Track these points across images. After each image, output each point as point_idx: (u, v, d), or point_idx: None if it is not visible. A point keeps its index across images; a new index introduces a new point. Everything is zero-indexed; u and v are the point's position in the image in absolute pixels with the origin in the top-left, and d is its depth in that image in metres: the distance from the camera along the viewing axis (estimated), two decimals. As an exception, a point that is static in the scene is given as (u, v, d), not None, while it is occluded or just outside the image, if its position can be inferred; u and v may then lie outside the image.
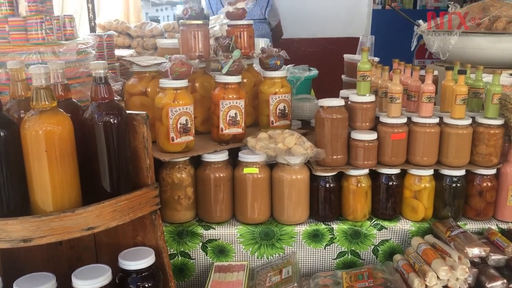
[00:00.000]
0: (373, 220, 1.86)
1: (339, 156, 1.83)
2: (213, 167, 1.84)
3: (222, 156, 1.85)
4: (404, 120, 1.82)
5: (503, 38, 2.33)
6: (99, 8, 3.96)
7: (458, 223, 1.83)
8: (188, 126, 1.80)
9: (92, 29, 3.05)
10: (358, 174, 1.83)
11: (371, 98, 1.84)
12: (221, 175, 1.84)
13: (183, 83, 1.79)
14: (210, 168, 1.84)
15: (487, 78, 1.98)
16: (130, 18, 3.98)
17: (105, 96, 1.36)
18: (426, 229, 1.84)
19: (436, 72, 2.24)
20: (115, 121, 1.37)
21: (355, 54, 4.61)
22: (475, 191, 1.85)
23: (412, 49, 2.70)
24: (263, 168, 1.83)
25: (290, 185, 1.81)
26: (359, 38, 5.42)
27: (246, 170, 1.82)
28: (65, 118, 1.29)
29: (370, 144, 1.80)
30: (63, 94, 1.41)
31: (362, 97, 1.83)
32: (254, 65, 2.28)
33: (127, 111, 1.44)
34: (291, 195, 1.82)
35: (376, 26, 6.20)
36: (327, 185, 1.84)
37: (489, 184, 1.83)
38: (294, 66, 2.71)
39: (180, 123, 1.78)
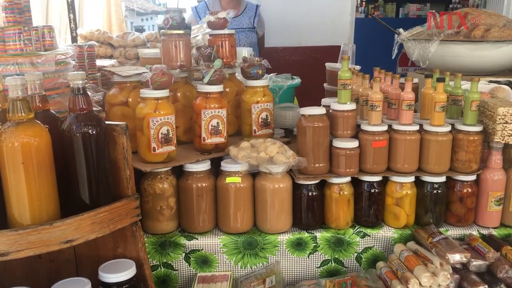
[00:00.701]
0: (356, 228, 1.87)
1: (321, 164, 1.83)
2: (195, 177, 1.83)
3: (204, 166, 1.84)
4: (385, 127, 1.83)
5: (481, 46, 2.36)
6: (82, 18, 3.95)
7: (440, 229, 1.84)
8: (170, 136, 1.80)
9: (74, 39, 3.03)
10: (340, 182, 1.84)
11: (352, 106, 1.85)
12: (204, 184, 1.83)
13: (164, 93, 1.78)
14: (192, 178, 1.83)
15: (466, 85, 2.00)
16: (113, 27, 3.97)
17: (83, 106, 1.35)
18: (409, 235, 1.85)
19: (416, 80, 2.27)
20: (94, 132, 1.36)
21: (337, 62, 4.64)
22: (456, 197, 1.86)
23: (392, 57, 2.73)
24: (246, 177, 1.83)
25: (272, 194, 1.81)
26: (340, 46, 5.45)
27: (229, 180, 1.82)
28: (42, 130, 1.27)
29: (352, 152, 1.81)
30: (40, 105, 1.40)
31: (343, 105, 1.84)
32: (236, 74, 2.29)
33: (107, 122, 1.43)
34: (274, 204, 1.81)
35: (359, 35, 6.28)
36: (310, 194, 1.84)
37: (470, 190, 1.85)
38: (276, 75, 2.72)
39: (161, 133, 1.77)
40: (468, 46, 2.38)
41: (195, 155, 1.91)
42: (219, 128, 1.92)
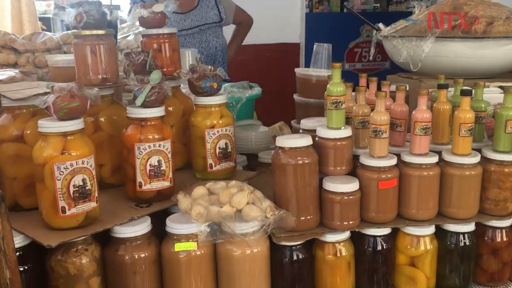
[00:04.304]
0: (359, 299, 1.36)
1: (309, 217, 1.31)
2: (129, 245, 1.25)
3: (142, 227, 1.26)
4: (394, 161, 1.33)
5: (483, 44, 1.92)
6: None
7: (469, 292, 1.37)
8: (87, 188, 1.21)
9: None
10: (337, 240, 1.32)
11: (347, 132, 1.34)
12: (142, 255, 1.25)
13: (75, 124, 1.19)
14: (124, 247, 1.25)
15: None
16: (24, 28, 3.26)
17: None
18: (429, 305, 1.36)
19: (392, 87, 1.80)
20: None
21: (293, 60, 4.08)
22: (488, 249, 1.39)
23: (370, 58, 2.27)
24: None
25: (242, 263, 1.25)
26: (295, 43, 4.91)
27: (179, 247, 1.25)
28: None
29: (351, 197, 1.30)
30: None
31: (336, 131, 1.32)
32: (181, 86, 1.72)
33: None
34: (245, 278, 1.26)
35: (309, 30, 5.82)
36: (295, 257, 1.31)
37: (506, 239, 1.39)
38: (232, 83, 2.17)
39: (73, 186, 1.18)
40: (468, 43, 1.93)
41: (127, 210, 1.33)
42: (162, 169, 1.35)
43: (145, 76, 1.35)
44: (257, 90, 2.19)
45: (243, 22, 3.43)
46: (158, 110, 1.35)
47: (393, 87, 1.55)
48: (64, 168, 1.16)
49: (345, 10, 9.53)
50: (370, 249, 1.34)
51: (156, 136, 1.34)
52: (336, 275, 1.32)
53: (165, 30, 1.60)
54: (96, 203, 1.24)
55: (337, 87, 1.31)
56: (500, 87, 1.82)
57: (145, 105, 1.33)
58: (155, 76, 1.33)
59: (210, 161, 1.51)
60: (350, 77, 1.52)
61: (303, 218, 1.30)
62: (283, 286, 1.32)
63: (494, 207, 1.37)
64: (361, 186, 1.32)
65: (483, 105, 1.45)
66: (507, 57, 1.95)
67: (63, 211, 1.18)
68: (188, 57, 2.23)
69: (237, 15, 3.32)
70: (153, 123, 1.34)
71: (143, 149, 1.32)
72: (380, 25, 2.20)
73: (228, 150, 1.53)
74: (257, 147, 1.89)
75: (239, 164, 1.77)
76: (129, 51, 1.57)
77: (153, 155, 1.34)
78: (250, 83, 2.32)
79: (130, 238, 1.25)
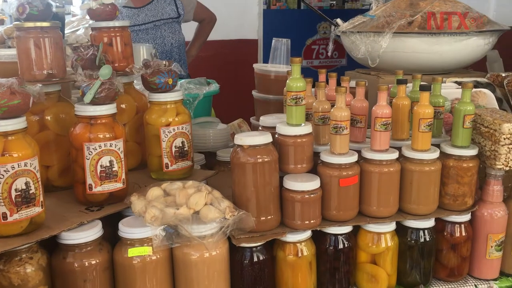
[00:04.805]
0: (320, 300, 1.33)
1: (269, 217, 1.26)
2: (79, 252, 1.17)
3: (92, 233, 1.19)
4: (355, 157, 1.30)
5: (440, 39, 1.93)
6: None
7: (429, 288, 1.37)
8: (31, 191, 1.12)
9: None
10: (299, 239, 1.28)
11: (308, 128, 1.30)
12: (92, 262, 1.18)
13: (16, 123, 1.10)
14: (73, 254, 1.17)
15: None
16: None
17: None
18: (391, 303, 1.35)
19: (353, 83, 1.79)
20: None
21: (251, 57, 4.01)
22: (447, 244, 1.39)
23: (329, 54, 2.25)
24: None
25: (200, 267, 1.20)
26: (252, 40, 4.86)
27: (132, 252, 1.18)
28: None
29: (312, 195, 1.26)
30: None
31: (296, 128, 1.28)
32: (135, 82, 1.65)
33: None
34: (203, 282, 1.21)
35: (267, 27, 5.80)
36: (255, 259, 1.26)
37: (465, 233, 1.39)
38: (188, 79, 2.10)
39: (15, 190, 1.09)
40: (424, 39, 1.94)
41: (76, 214, 1.24)
42: (114, 169, 1.28)
43: (94, 72, 1.27)
44: (214, 86, 2.13)
45: (206, 19, 3.37)
46: (109, 107, 1.27)
47: (352, 83, 1.54)
48: (5, 171, 1.07)
49: (302, 7, 9.55)
50: (332, 248, 1.32)
51: (107, 135, 1.26)
52: (298, 275, 1.29)
53: (116, 23, 1.52)
54: (41, 208, 1.16)
55: (297, 82, 1.27)
56: (456, 82, 1.84)
57: (94, 102, 1.25)
58: (105, 71, 1.26)
59: (166, 160, 1.45)
60: (308, 74, 1.48)
61: (263, 218, 1.26)
62: (243, 290, 1.27)
63: (453, 202, 1.37)
64: (322, 184, 1.29)
65: (441, 100, 1.45)
66: (463, 53, 1.97)
67: (4, 217, 1.09)
68: (143, 52, 2.15)
69: (198, 12, 3.25)
70: (103, 121, 1.26)
71: (93, 149, 1.25)
72: (338, 20, 2.18)
73: (185, 149, 1.47)
74: (215, 145, 1.83)
75: (197, 163, 1.71)
76: (77, 45, 1.47)
77: (104, 155, 1.26)
78: (208, 79, 2.26)
79: (80, 244, 1.17)
